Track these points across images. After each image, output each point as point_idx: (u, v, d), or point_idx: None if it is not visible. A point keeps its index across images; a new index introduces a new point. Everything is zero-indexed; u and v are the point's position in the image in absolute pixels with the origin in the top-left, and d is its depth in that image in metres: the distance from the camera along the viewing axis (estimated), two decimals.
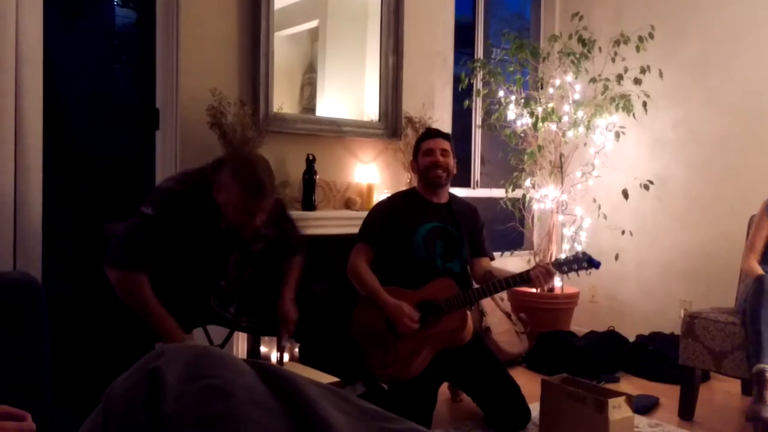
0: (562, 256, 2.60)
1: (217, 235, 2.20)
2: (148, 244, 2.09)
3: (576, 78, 4.05)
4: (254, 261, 2.41)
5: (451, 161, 2.78)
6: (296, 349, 2.81)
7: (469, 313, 2.62)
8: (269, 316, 2.36)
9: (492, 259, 2.91)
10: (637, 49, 3.86)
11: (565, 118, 4.07)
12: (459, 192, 3.65)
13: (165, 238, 2.11)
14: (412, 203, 2.79)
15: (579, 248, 4.14)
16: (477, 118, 4.42)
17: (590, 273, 2.57)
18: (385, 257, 2.72)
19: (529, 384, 2.80)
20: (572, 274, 2.59)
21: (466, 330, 2.57)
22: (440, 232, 2.73)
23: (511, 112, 4.08)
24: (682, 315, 2.94)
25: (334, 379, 2.24)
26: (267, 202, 2.12)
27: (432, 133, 2.86)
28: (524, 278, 2.54)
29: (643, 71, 3.87)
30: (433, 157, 2.74)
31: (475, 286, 2.73)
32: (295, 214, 3.12)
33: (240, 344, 3.00)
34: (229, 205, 2.11)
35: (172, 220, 2.11)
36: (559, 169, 4.14)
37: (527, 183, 4.19)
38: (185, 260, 2.20)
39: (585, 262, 2.52)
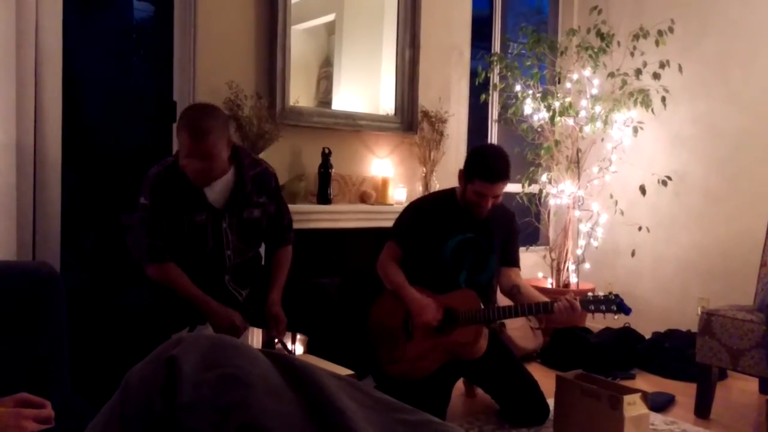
0: (591, 295, 2.48)
1: (204, 205, 2.25)
2: (156, 231, 2.20)
3: (594, 72, 4.01)
4: (255, 232, 2.40)
5: (500, 200, 2.62)
6: (296, 345, 2.80)
7: (485, 330, 2.54)
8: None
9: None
10: (657, 43, 3.81)
11: (583, 113, 4.04)
12: None
13: (164, 218, 2.21)
14: (447, 210, 2.69)
15: (596, 244, 4.13)
16: (493, 112, 4.39)
17: (617, 317, 2.45)
18: (412, 260, 2.69)
19: (543, 380, 2.78)
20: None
21: (477, 347, 2.50)
22: (471, 243, 2.67)
23: (528, 107, 4.05)
24: (700, 312, 2.91)
25: (349, 371, 2.24)
26: (204, 143, 2.10)
27: (493, 176, 2.51)
28: (547, 308, 2.43)
29: (662, 66, 3.82)
30: (482, 203, 2.56)
31: (498, 304, 2.65)
32: (311, 207, 3.15)
33: (255, 335, 3.02)
34: (181, 156, 2.15)
35: (163, 200, 2.20)
36: (575, 165, 4.11)
37: (543, 178, 4.16)
38: (186, 233, 2.25)
39: (615, 305, 2.34)
